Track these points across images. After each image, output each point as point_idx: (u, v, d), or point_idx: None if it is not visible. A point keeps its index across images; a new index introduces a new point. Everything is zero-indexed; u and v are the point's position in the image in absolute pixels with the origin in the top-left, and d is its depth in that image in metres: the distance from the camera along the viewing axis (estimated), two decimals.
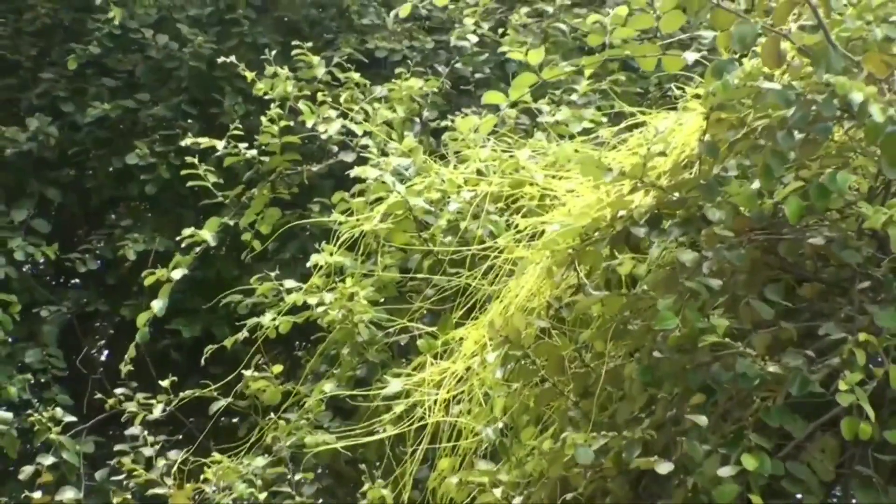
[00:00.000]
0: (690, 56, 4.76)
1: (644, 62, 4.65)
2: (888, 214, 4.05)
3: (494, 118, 4.74)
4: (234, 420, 6.86)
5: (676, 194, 4.37)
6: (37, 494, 5.71)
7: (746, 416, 3.90)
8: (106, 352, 9.03)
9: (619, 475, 4.16)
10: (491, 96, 4.75)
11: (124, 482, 5.72)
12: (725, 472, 3.80)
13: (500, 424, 4.86)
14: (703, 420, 3.90)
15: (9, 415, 6.63)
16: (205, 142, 6.74)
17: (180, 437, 6.46)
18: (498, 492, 4.43)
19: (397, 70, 7.13)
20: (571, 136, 6.01)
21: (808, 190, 4.14)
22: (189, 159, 6.77)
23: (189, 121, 8.50)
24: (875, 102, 3.96)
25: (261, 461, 5.51)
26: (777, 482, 3.97)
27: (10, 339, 7.91)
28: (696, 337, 4.03)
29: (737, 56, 4.54)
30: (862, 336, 3.91)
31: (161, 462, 5.60)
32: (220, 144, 6.76)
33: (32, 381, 7.84)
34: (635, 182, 4.37)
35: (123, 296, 8.65)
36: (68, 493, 5.93)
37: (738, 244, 4.26)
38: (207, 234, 6.51)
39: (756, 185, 4.24)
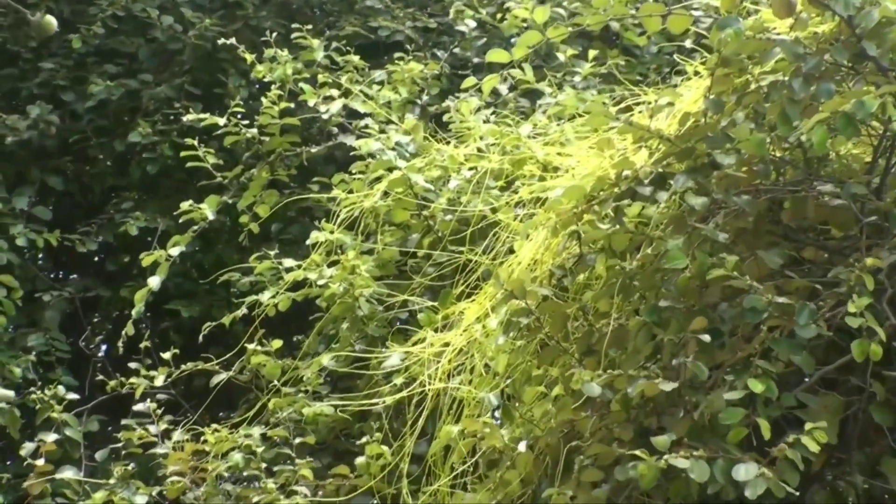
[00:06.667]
0: (697, 14, 4.75)
1: (649, 22, 4.65)
2: None
3: (497, 77, 4.71)
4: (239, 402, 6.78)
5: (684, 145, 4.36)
6: (39, 462, 5.62)
7: (754, 346, 3.86)
8: (106, 341, 8.96)
9: (626, 421, 4.12)
10: (495, 54, 4.73)
11: (123, 451, 5.67)
12: (732, 395, 3.78)
13: (503, 385, 4.84)
14: (706, 338, 3.88)
15: (10, 393, 6.55)
16: (206, 118, 6.75)
17: (186, 415, 6.39)
18: (505, 433, 4.39)
19: (397, 55, 7.15)
20: (571, 118, 6.02)
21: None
22: (190, 141, 6.79)
23: (192, 102, 8.47)
24: None
25: (257, 430, 5.46)
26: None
27: (11, 328, 7.87)
28: (704, 278, 4.02)
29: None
30: (870, 261, 3.90)
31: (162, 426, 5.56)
32: (221, 121, 6.77)
33: (36, 361, 7.80)
34: (642, 133, 4.36)
35: (124, 282, 8.62)
36: (68, 472, 5.87)
37: (750, 192, 4.25)
38: (207, 209, 6.49)
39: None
